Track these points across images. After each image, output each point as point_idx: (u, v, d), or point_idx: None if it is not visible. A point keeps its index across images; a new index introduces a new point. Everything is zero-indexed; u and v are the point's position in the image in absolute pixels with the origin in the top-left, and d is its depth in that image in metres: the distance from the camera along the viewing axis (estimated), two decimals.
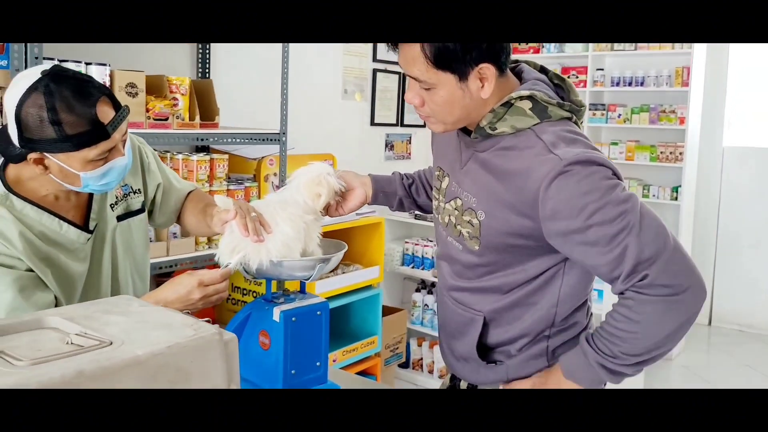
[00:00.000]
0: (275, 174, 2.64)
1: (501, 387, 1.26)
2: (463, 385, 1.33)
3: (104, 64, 1.90)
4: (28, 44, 1.67)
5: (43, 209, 1.22)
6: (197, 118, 2.24)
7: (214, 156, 2.36)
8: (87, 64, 1.87)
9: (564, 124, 1.12)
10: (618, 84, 4.36)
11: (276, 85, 2.58)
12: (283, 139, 2.53)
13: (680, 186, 4.16)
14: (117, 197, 1.36)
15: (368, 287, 3.09)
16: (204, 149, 2.57)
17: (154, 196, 1.46)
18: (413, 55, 1.07)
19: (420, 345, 3.67)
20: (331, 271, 2.04)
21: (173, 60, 2.62)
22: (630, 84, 4.32)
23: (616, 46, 4.30)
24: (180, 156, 2.26)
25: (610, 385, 1.17)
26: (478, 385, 1.28)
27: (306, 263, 1.23)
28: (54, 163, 1.15)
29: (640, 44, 4.24)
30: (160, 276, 2.24)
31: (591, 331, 1.16)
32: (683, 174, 4.11)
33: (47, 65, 1.16)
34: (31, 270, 1.19)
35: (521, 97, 1.10)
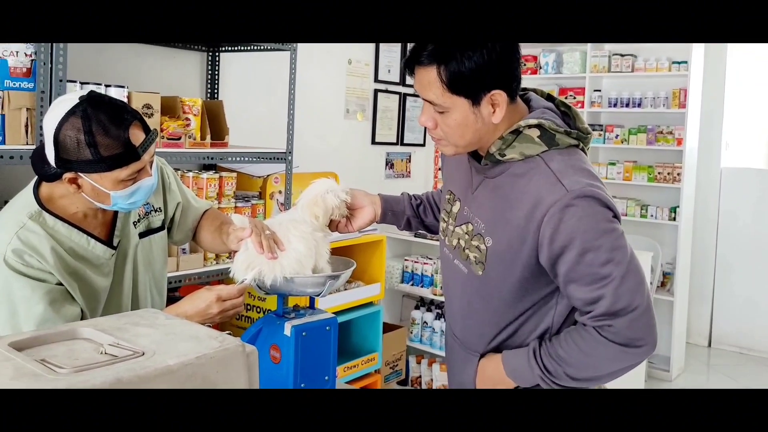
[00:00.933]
0: (280, 192, 2.70)
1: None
2: None
3: (122, 86, 1.98)
4: (53, 67, 1.75)
5: (72, 226, 1.29)
6: (208, 137, 2.31)
7: (223, 174, 2.42)
8: (107, 86, 1.95)
9: (571, 153, 1.18)
10: (615, 105, 4.44)
11: (281, 105, 2.65)
12: (289, 158, 2.59)
13: (678, 206, 4.22)
14: (139, 215, 1.42)
15: (369, 304, 3.13)
16: (211, 167, 2.64)
17: (174, 215, 1.52)
18: (429, 80, 1.12)
19: (419, 362, 3.71)
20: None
21: (184, 81, 2.70)
22: (627, 105, 4.40)
23: (612, 67, 4.39)
24: (190, 174, 2.32)
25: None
26: None
27: (317, 279, 1.29)
28: (87, 183, 1.22)
29: (636, 65, 4.32)
30: (169, 290, 2.29)
31: (536, 344, 1.21)
32: (681, 194, 4.17)
33: (84, 91, 1.22)
34: (60, 284, 1.25)
35: (530, 126, 1.16)
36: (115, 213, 1.36)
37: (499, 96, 1.13)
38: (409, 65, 1.16)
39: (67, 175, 1.20)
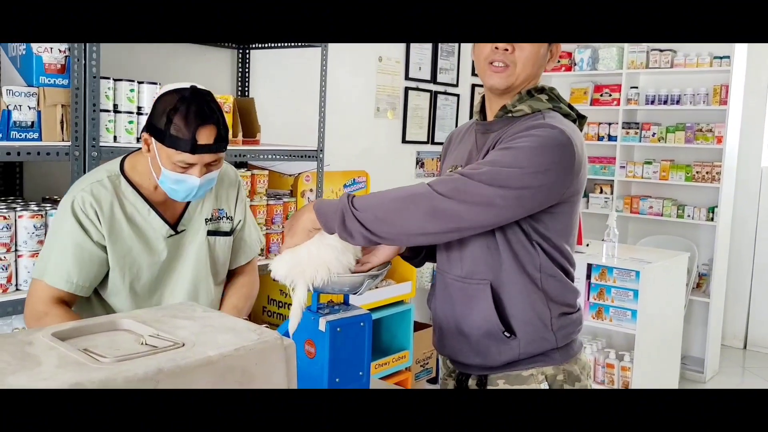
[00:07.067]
0: (311, 190, 2.70)
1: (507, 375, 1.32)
2: (472, 382, 1.37)
3: (155, 83, 1.99)
4: (87, 64, 1.76)
5: (140, 195, 1.46)
6: (240, 135, 2.32)
7: (255, 172, 2.43)
8: (139, 83, 1.96)
9: (568, 122, 1.29)
10: (653, 102, 4.34)
11: (311, 103, 2.65)
12: (321, 156, 2.59)
13: (717, 206, 4.11)
14: (213, 216, 1.56)
15: (400, 302, 3.12)
16: (242, 165, 2.65)
17: (236, 227, 1.63)
18: None
19: None
20: None
21: (215, 79, 2.72)
22: (665, 102, 4.30)
23: (651, 63, 4.29)
24: None
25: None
26: (489, 374, 1.33)
27: (356, 279, 1.28)
28: (153, 150, 1.39)
29: (676, 61, 4.22)
30: None
31: None
32: (720, 194, 4.06)
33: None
34: (101, 244, 1.41)
35: (539, 90, 1.32)
36: (188, 202, 1.51)
37: (557, 48, 1.33)
38: None
39: (144, 135, 1.39)
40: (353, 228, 1.19)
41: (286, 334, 1.35)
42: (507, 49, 1.26)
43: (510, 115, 1.30)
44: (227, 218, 1.59)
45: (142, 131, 1.41)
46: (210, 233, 1.55)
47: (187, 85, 1.38)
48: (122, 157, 1.50)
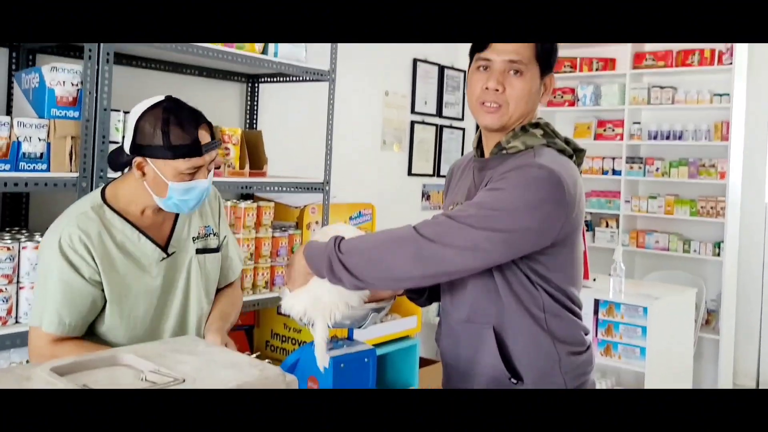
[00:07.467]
0: (317, 222, 2.69)
1: None
2: None
3: None
4: (98, 97, 1.78)
5: (127, 221, 1.41)
6: (247, 167, 2.33)
7: (261, 204, 2.43)
8: None
9: (562, 157, 1.26)
10: (656, 137, 4.36)
11: (319, 136, 2.67)
12: (327, 188, 2.59)
13: (722, 241, 4.08)
14: (200, 234, 1.52)
15: (406, 337, 3.08)
16: (249, 197, 2.65)
17: (221, 243, 1.61)
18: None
19: None
20: None
21: (224, 111, 2.75)
22: (668, 137, 4.32)
23: (652, 99, 4.33)
24: (228, 203, 2.33)
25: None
26: None
27: (360, 312, 1.27)
28: (151, 171, 1.34)
29: (677, 97, 4.25)
30: None
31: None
32: (725, 229, 4.04)
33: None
34: (93, 278, 1.35)
35: (534, 125, 1.29)
36: (174, 224, 1.47)
37: (550, 81, 1.29)
38: None
39: (137, 159, 1.34)
40: (341, 275, 1.18)
41: (290, 370, 1.33)
42: (497, 89, 1.23)
43: (504, 152, 1.27)
44: (213, 234, 1.57)
45: (128, 158, 1.36)
46: (199, 251, 1.52)
47: (160, 97, 1.37)
48: (101, 188, 1.47)
